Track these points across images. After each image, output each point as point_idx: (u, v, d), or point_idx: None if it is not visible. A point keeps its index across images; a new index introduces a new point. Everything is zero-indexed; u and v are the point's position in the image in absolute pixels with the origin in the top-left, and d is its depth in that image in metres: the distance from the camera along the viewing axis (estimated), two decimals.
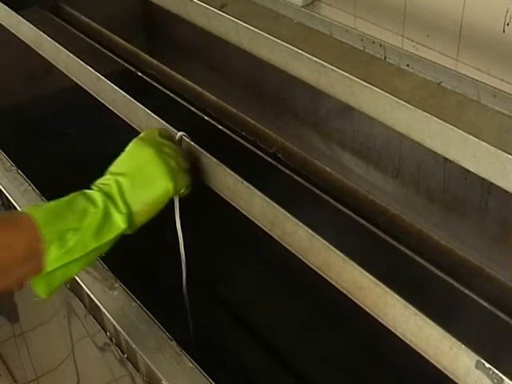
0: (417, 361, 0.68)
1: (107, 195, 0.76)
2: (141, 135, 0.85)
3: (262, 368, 0.95)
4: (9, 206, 1.13)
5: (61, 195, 0.78)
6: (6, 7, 1.28)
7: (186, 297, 0.89)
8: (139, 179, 0.78)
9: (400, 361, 0.86)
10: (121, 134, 0.92)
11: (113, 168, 0.80)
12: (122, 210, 0.75)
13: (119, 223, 0.75)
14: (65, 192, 0.78)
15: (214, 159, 0.86)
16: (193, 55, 1.54)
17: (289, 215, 0.78)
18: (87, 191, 0.77)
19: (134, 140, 0.83)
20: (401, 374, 0.90)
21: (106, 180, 0.78)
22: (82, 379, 1.20)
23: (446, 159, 0.98)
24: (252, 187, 0.82)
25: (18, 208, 1.07)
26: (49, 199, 1.07)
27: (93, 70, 1.07)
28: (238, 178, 0.83)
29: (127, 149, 0.82)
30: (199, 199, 0.82)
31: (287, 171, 1.18)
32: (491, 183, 0.74)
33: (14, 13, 1.26)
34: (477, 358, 0.62)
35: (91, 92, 1.08)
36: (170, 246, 0.91)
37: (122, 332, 0.86)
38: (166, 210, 0.82)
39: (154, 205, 0.79)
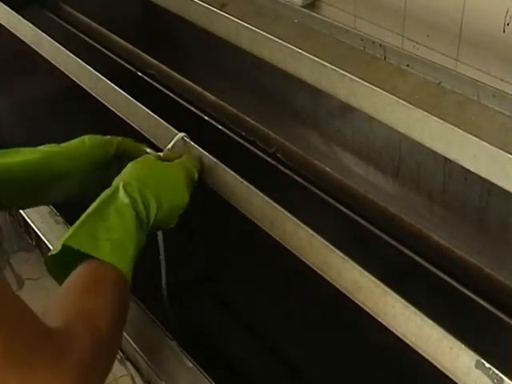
0: (417, 361, 0.68)
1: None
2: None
3: (262, 368, 0.95)
4: None
5: None
6: (5, 7, 1.28)
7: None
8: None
9: (400, 361, 0.86)
10: (121, 134, 0.92)
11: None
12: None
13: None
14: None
15: (214, 159, 0.86)
16: (193, 55, 1.54)
17: (289, 215, 0.78)
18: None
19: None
20: (401, 374, 0.90)
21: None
22: None
23: (446, 159, 0.98)
24: (252, 187, 0.82)
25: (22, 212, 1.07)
26: None
27: (93, 70, 1.07)
28: (238, 177, 0.83)
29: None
30: (199, 199, 0.81)
31: (287, 171, 1.18)
32: (491, 183, 0.74)
33: (14, 13, 1.26)
34: (477, 357, 0.62)
35: (91, 92, 1.08)
36: (167, 247, 0.91)
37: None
38: None
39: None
